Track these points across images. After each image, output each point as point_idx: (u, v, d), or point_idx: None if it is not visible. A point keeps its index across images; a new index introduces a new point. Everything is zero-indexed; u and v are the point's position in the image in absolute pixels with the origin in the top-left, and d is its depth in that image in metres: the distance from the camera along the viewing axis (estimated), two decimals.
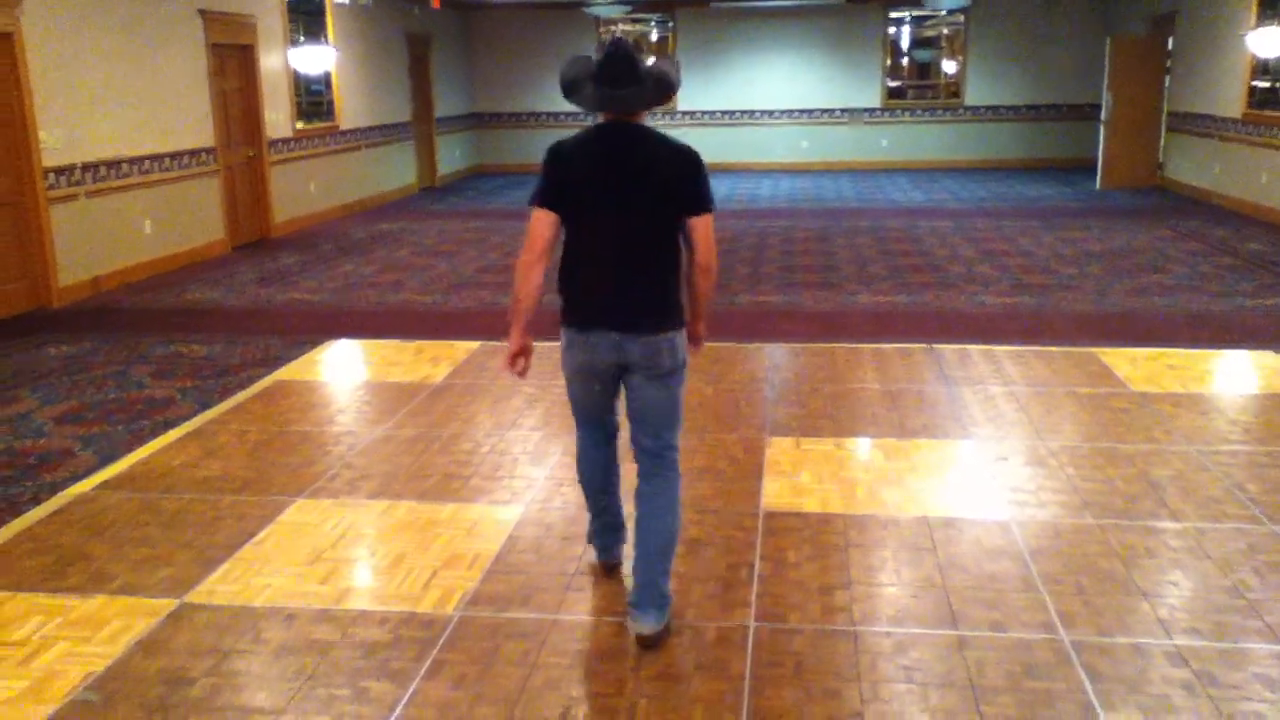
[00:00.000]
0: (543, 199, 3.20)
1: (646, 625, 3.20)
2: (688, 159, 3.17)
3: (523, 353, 3.33)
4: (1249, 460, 4.62)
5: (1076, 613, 3.37)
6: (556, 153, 3.20)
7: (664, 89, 3.17)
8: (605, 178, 3.13)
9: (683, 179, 3.15)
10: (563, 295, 3.28)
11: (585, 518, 4.12)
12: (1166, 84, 14.68)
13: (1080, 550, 3.80)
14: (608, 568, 3.67)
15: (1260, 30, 11.54)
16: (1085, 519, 4.06)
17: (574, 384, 3.37)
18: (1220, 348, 6.52)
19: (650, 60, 3.21)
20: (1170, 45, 14.60)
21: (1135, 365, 6.04)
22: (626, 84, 3.11)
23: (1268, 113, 11.77)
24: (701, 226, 3.17)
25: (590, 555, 3.80)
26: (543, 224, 3.19)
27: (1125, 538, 3.90)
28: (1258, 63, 12.00)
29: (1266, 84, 11.90)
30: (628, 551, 3.56)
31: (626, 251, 3.17)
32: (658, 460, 3.29)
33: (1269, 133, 11.69)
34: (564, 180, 3.17)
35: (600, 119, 3.20)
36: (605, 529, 3.65)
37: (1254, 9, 11.96)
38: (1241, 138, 12.37)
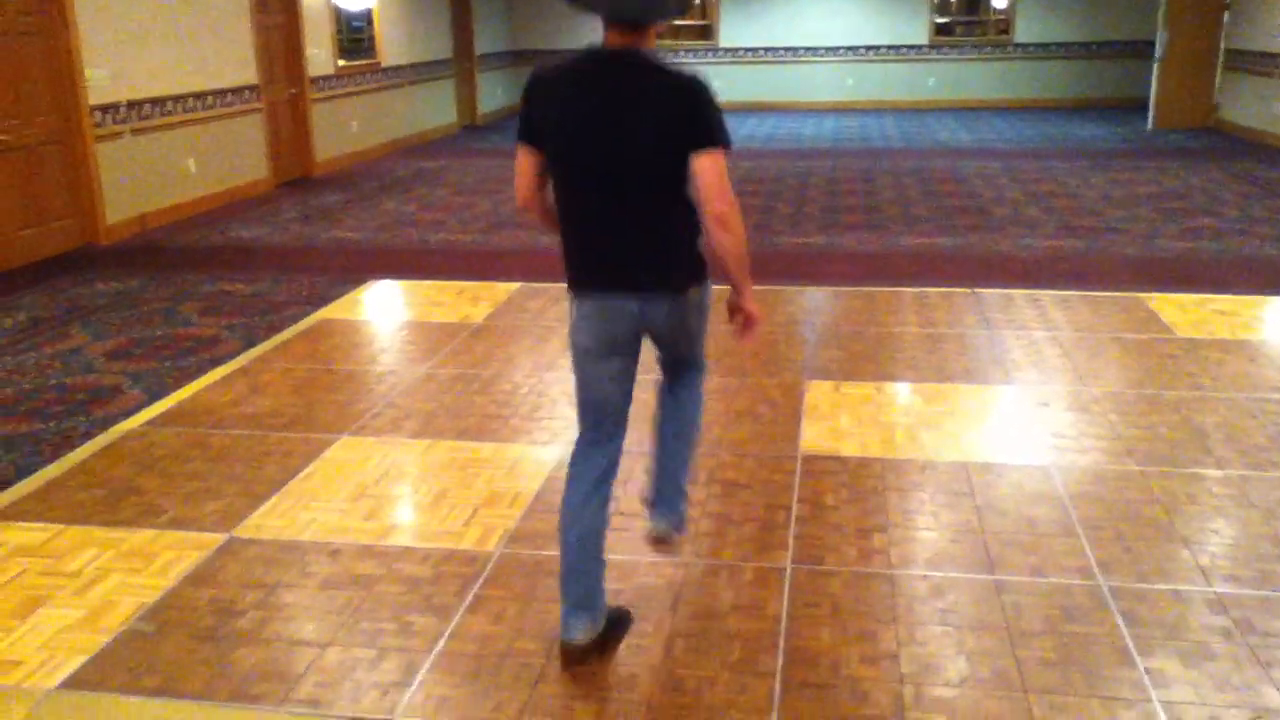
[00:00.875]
0: (520, 134, 2.77)
1: (663, 522, 3.07)
2: (688, 87, 2.61)
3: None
4: None
5: (1116, 559, 3.36)
6: (535, 82, 2.73)
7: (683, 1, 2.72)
8: (594, 116, 2.63)
9: (687, 109, 2.60)
10: (565, 257, 2.84)
11: (628, 461, 4.15)
12: (1225, 20, 14.24)
13: (1121, 496, 3.78)
14: (574, 653, 2.86)
15: None
16: (1127, 465, 4.03)
17: (586, 365, 2.88)
18: (1271, 294, 6.39)
19: None
20: None
21: (1183, 311, 5.95)
22: None
23: None
24: (707, 167, 2.62)
25: (630, 499, 3.83)
26: (523, 162, 2.79)
27: (1168, 484, 3.87)
28: None
29: None
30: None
31: (630, 202, 2.69)
32: (689, 373, 3.09)
33: None
34: (544, 115, 2.71)
35: (607, 43, 2.67)
36: (575, 602, 2.88)
37: None
38: None
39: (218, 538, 3.62)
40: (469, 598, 3.22)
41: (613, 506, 3.73)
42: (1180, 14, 13.99)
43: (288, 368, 5.33)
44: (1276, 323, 5.94)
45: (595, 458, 2.93)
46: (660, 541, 3.15)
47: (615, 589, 3.25)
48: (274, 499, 3.89)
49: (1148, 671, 2.81)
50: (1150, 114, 14.50)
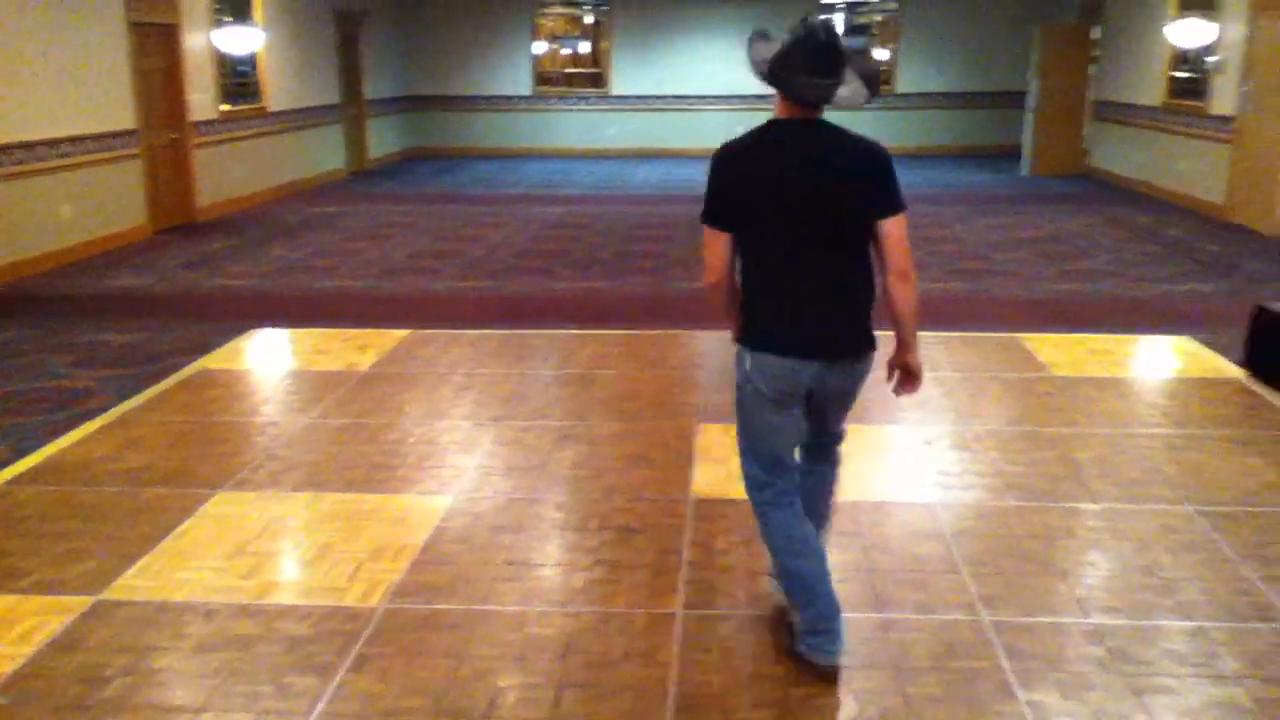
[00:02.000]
0: (710, 216, 2.86)
1: (834, 654, 2.97)
2: (877, 155, 2.80)
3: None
4: (1166, 443, 4.74)
5: (998, 593, 3.43)
6: (722, 159, 2.85)
7: (873, 84, 2.83)
8: (788, 186, 2.77)
9: (878, 178, 2.79)
10: (746, 315, 2.93)
11: (520, 508, 4.11)
12: (1092, 73, 14.96)
13: (1003, 532, 3.87)
14: (830, 672, 2.97)
15: (1180, 21, 11.80)
16: (1008, 501, 4.13)
17: (764, 415, 2.95)
18: (1140, 332, 6.67)
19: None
20: (1096, 35, 14.87)
21: (1059, 350, 6.16)
22: (834, 74, 2.76)
23: (1187, 102, 12.04)
24: (895, 229, 2.79)
25: (521, 549, 3.78)
26: (716, 243, 2.87)
27: (1046, 519, 3.97)
28: (1178, 53, 12.27)
29: (1186, 74, 12.17)
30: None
31: (821, 267, 2.83)
32: (834, 446, 3.19)
33: (1188, 122, 11.96)
34: (740, 190, 2.83)
35: (777, 113, 2.83)
36: (818, 626, 2.97)
37: (1175, 0, 12.22)
38: (1163, 126, 12.65)
39: (85, 601, 3.45)
40: (351, 656, 3.12)
41: (503, 555, 3.69)
42: (1051, 66, 14.64)
43: (164, 420, 5.14)
44: (1147, 361, 6.19)
45: (788, 480, 3.04)
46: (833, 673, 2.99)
47: (505, 639, 3.19)
48: (146, 558, 3.73)
49: (1029, 704, 2.86)
50: (1025, 161, 15.09)
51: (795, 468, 3.08)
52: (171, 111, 11.13)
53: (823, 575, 2.99)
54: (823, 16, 2.88)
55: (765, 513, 3.05)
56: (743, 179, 2.83)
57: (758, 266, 2.89)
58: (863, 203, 2.80)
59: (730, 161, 2.86)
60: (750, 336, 2.93)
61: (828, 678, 2.95)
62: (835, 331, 2.88)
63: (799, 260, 2.83)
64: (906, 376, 3.06)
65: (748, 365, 2.94)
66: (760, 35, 2.86)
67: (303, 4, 14.21)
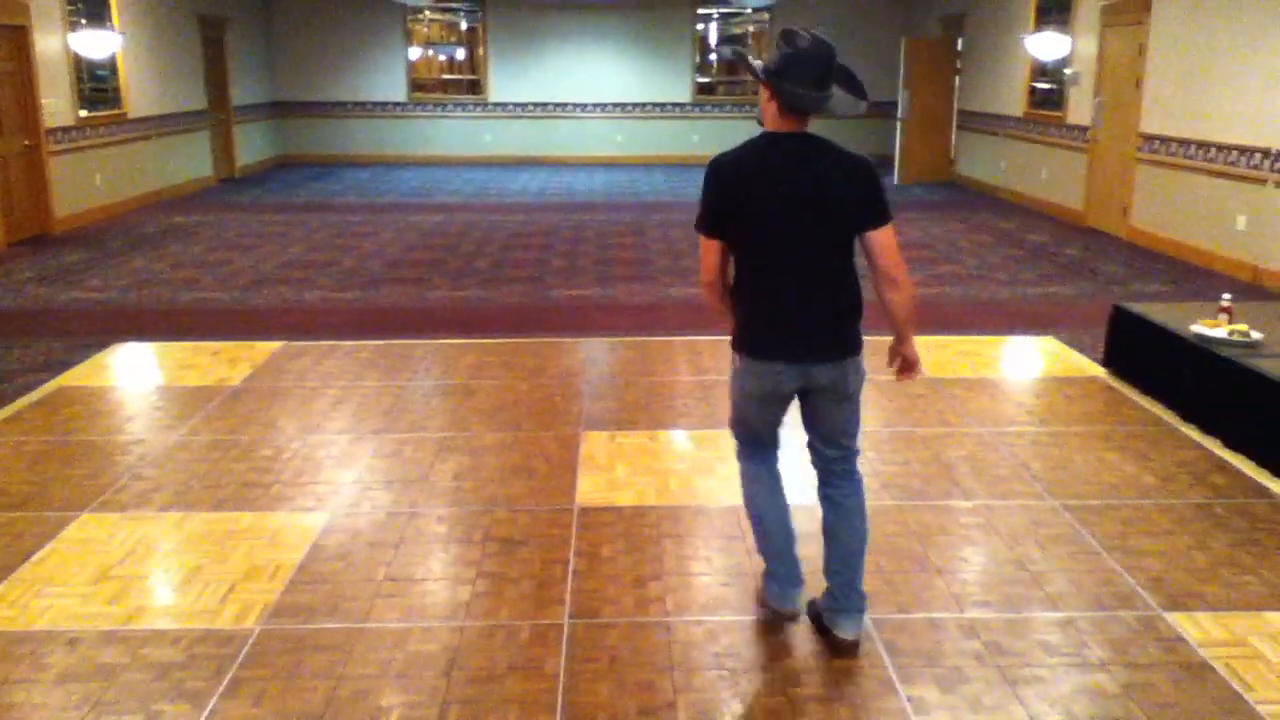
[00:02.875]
0: (704, 225, 2.97)
1: (851, 630, 3.13)
2: (864, 168, 2.93)
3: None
4: (1033, 440, 4.91)
5: (877, 591, 3.50)
6: (717, 169, 2.94)
7: (863, 96, 2.99)
8: (781, 197, 2.87)
9: (866, 191, 2.91)
10: (739, 320, 3.06)
11: (400, 523, 4.03)
12: (957, 84, 15.49)
13: (880, 531, 3.95)
14: (792, 615, 3.28)
15: (1038, 34, 12.31)
16: (885, 500, 4.23)
17: (750, 408, 3.13)
18: (1006, 333, 6.91)
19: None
20: (960, 47, 15.41)
21: (929, 351, 6.34)
22: (828, 85, 2.89)
23: (1046, 112, 12.57)
24: (883, 238, 2.93)
25: (402, 564, 3.70)
26: (710, 251, 2.99)
27: (921, 517, 4.08)
28: (1037, 65, 12.79)
29: (1045, 85, 12.69)
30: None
31: (809, 275, 2.94)
32: (845, 463, 3.19)
33: (1048, 131, 12.48)
34: (732, 200, 2.92)
35: (769, 126, 2.94)
36: (790, 579, 3.24)
37: (1032, 14, 12.75)
38: (1024, 135, 13.18)
39: None
40: (225, 680, 3.00)
41: (384, 571, 3.61)
42: (918, 77, 15.11)
43: (19, 440, 4.88)
44: (1013, 361, 6.42)
45: (768, 456, 3.27)
46: (850, 645, 3.15)
47: (386, 657, 3.12)
48: (2, 586, 3.53)
49: (909, 700, 2.92)
50: (895, 169, 15.53)
51: (776, 445, 3.29)
52: (24, 117, 10.61)
53: (785, 521, 3.25)
54: (809, 31, 3.02)
55: (745, 471, 3.31)
56: (735, 189, 2.92)
57: (748, 274, 3.00)
58: (851, 214, 2.91)
59: (723, 172, 2.94)
60: (740, 341, 3.07)
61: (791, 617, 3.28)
62: (819, 337, 3.00)
63: (788, 268, 2.94)
64: (905, 364, 3.24)
65: (739, 365, 3.09)
66: (741, 54, 3.09)
67: (163, 7, 13.72)
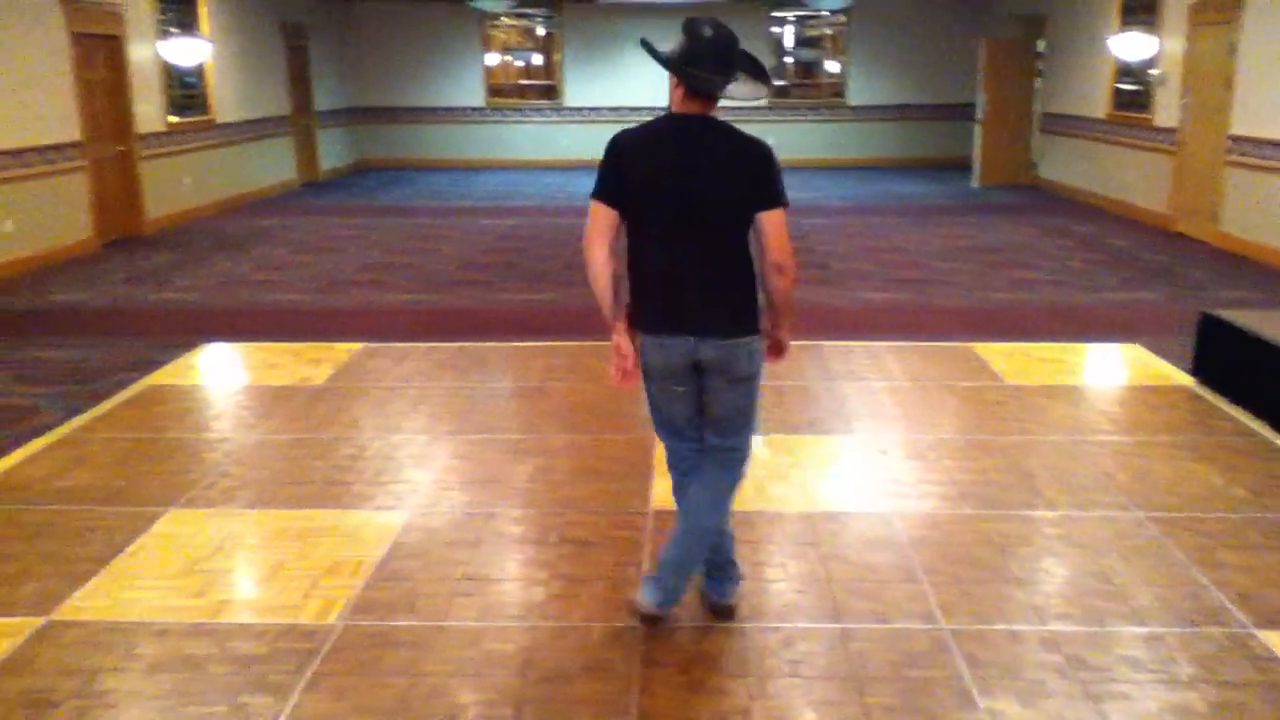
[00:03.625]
0: (600, 192, 3.03)
1: (732, 597, 3.27)
2: (762, 151, 3.00)
3: (623, 354, 3.10)
4: (1116, 449, 4.81)
5: (955, 602, 3.46)
6: (619, 145, 3.03)
7: (767, 83, 3.09)
8: (679, 173, 2.95)
9: (757, 172, 2.98)
10: (634, 297, 3.11)
11: (477, 523, 4.08)
12: (1037, 85, 15.21)
13: (958, 540, 3.90)
14: (719, 610, 3.34)
15: (1122, 35, 12.04)
16: (963, 510, 4.17)
17: (653, 387, 3.18)
18: (1088, 340, 6.77)
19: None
20: (1040, 48, 15.13)
21: (1009, 359, 6.24)
22: (731, 70, 2.97)
23: (1130, 114, 12.28)
24: (774, 221, 2.98)
25: (479, 564, 3.75)
26: (599, 219, 3.03)
27: (1001, 527, 4.01)
28: (1121, 66, 12.51)
29: (1129, 86, 12.41)
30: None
31: (701, 252, 3.01)
32: (726, 456, 3.22)
33: (1131, 133, 12.20)
34: (629, 175, 3.00)
35: (675, 109, 3.02)
36: (710, 567, 3.33)
37: (1117, 14, 12.47)
38: (1106, 138, 12.89)
39: (33, 622, 3.36)
40: (307, 674, 3.07)
41: (461, 570, 3.65)
42: (997, 79, 14.87)
43: (111, 438, 5.04)
44: (1096, 368, 6.29)
45: (684, 444, 3.26)
46: (648, 617, 3.24)
47: (462, 655, 3.16)
48: (96, 579, 3.65)
49: (988, 712, 2.88)
50: (974, 172, 15.30)
51: (692, 439, 3.25)
52: (118, 123, 10.96)
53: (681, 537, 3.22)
54: (703, 18, 3.15)
55: (679, 486, 3.32)
56: (635, 165, 3.00)
57: (644, 250, 3.08)
58: (744, 195, 2.98)
59: (625, 148, 3.03)
60: (637, 317, 3.11)
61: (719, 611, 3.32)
62: (706, 312, 3.03)
63: (681, 245, 3.02)
64: (775, 347, 3.26)
65: (638, 342, 3.13)
66: (647, 43, 3.10)
67: (249, 16, 14.07)
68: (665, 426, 3.27)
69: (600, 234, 3.04)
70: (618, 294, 3.10)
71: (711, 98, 3.00)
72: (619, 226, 3.06)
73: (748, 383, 3.13)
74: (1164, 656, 3.14)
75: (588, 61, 18.02)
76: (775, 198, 2.99)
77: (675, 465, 3.32)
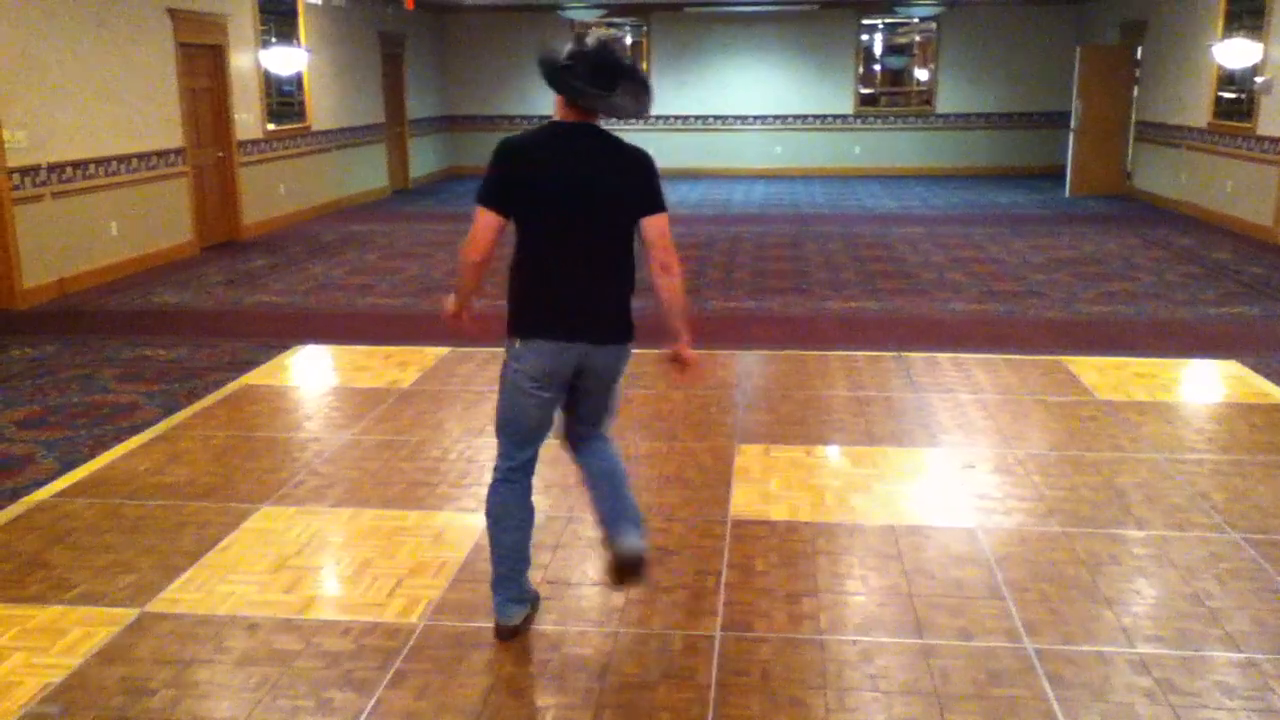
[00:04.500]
0: (489, 199, 3.05)
1: (637, 536, 3.20)
2: (643, 160, 3.12)
3: (460, 315, 3.39)
4: (1213, 469, 4.66)
5: (1041, 620, 3.39)
6: (507, 150, 3.07)
7: (646, 101, 3.09)
8: (566, 180, 3.02)
9: (639, 180, 3.09)
10: (517, 303, 3.15)
11: (558, 527, 4.12)
12: (1135, 93, 14.83)
13: (1045, 557, 3.82)
14: (506, 632, 3.29)
15: (1226, 41, 11.68)
16: (1051, 526, 4.08)
17: (522, 399, 3.15)
18: (1185, 356, 6.58)
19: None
20: (1139, 55, 14.75)
21: (1102, 373, 6.09)
22: (613, 88, 3.02)
23: (1233, 123, 11.91)
24: (656, 224, 3.10)
25: (559, 567, 3.78)
26: (489, 226, 3.06)
27: (1090, 545, 3.92)
28: (1224, 73, 12.14)
29: (1232, 94, 12.04)
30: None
31: (590, 258, 3.09)
32: (597, 436, 3.33)
33: (1233, 143, 11.83)
34: (518, 181, 3.05)
35: (558, 116, 3.10)
36: (516, 595, 3.29)
37: (1221, 20, 12.10)
38: (1207, 147, 12.51)
39: (130, 613, 3.49)
40: (391, 672, 3.13)
41: (541, 574, 3.69)
42: (1093, 86, 14.53)
43: (207, 435, 5.20)
44: (1191, 385, 6.11)
45: (524, 464, 3.27)
46: (636, 561, 3.19)
47: (543, 658, 3.19)
48: (190, 572, 3.77)
49: None
50: (1067, 181, 14.97)
51: (536, 453, 3.29)
52: (218, 130, 11.31)
53: (522, 545, 3.27)
54: (599, 34, 3.27)
55: (495, 487, 3.26)
56: (521, 171, 3.04)
57: (531, 256, 3.12)
58: (627, 201, 3.07)
59: (511, 153, 3.06)
60: (521, 323, 3.14)
61: (502, 633, 3.29)
62: (599, 318, 3.11)
63: (569, 251, 3.08)
64: (681, 365, 3.27)
65: (516, 347, 3.16)
66: (550, 53, 3.10)
67: (346, 25, 14.40)
68: (517, 435, 3.22)
69: (488, 240, 3.09)
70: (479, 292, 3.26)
71: (591, 109, 3.05)
72: (503, 231, 3.11)
73: (619, 381, 3.26)
74: (1260, 684, 3.03)
75: (675, 69, 18.06)
76: (658, 203, 3.11)
77: (505, 478, 3.25)
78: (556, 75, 3.02)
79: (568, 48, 3.06)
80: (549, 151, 3.06)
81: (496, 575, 3.28)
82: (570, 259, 3.09)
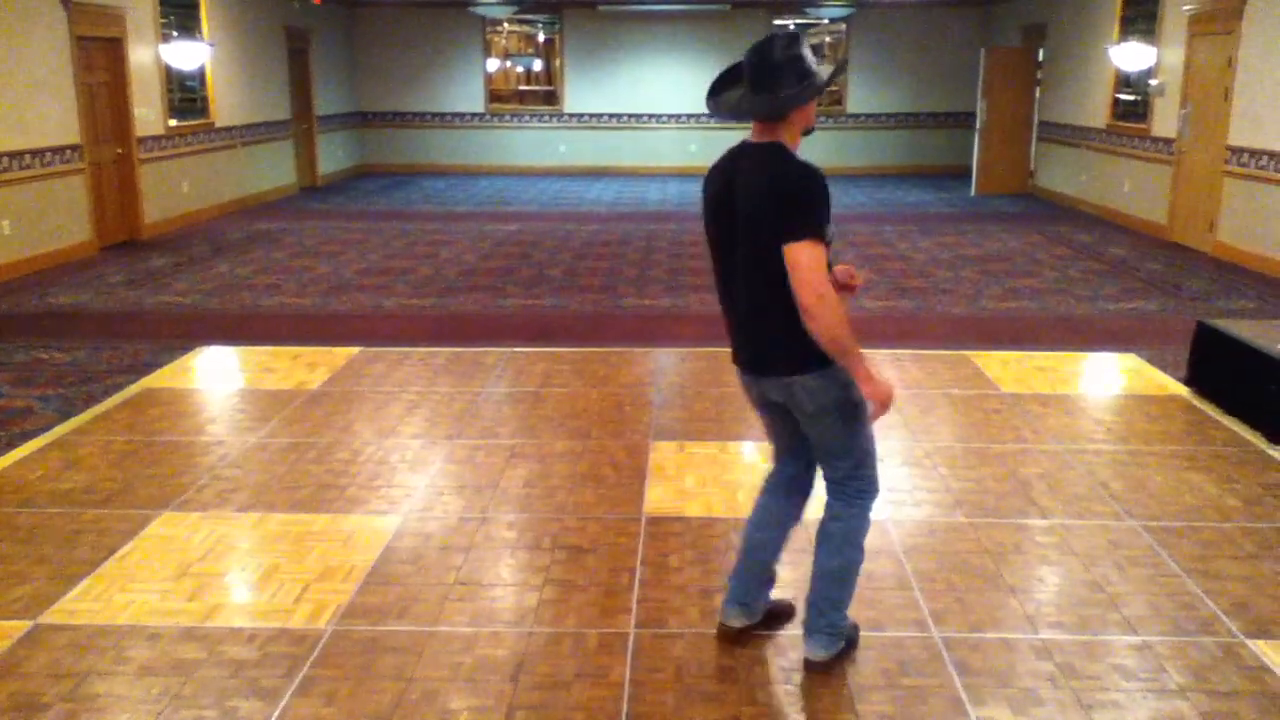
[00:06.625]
0: (822, 230, 2.78)
1: (811, 650, 3.09)
2: (783, 178, 2.75)
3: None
4: (1112, 459, 4.80)
5: (949, 609, 3.45)
6: (706, 178, 2.99)
7: (777, 90, 2.77)
8: (721, 203, 2.88)
9: (770, 202, 2.74)
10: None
11: (471, 528, 4.08)
12: (1037, 95, 15.23)
13: (952, 548, 3.89)
14: (727, 631, 3.25)
15: (1122, 44, 12.05)
16: (957, 518, 4.16)
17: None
18: (1086, 350, 6.77)
19: (808, 57, 2.81)
20: (1040, 57, 15.15)
21: (1006, 367, 6.24)
22: (730, 88, 2.93)
23: (1129, 124, 12.29)
24: (790, 257, 2.69)
25: (471, 569, 3.75)
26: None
27: (995, 535, 4.01)
28: (1120, 75, 12.53)
29: (1129, 96, 12.43)
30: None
31: (741, 285, 2.92)
32: (836, 488, 3.07)
33: (1130, 143, 12.21)
34: (707, 208, 2.97)
35: (751, 137, 2.90)
36: (744, 575, 3.24)
37: (1117, 23, 12.49)
38: (1106, 147, 12.91)
39: (22, 625, 3.36)
40: (298, 679, 3.06)
41: (454, 575, 3.64)
42: (997, 87, 14.88)
43: (106, 440, 5.04)
44: (1091, 378, 6.29)
45: (778, 471, 3.24)
46: (810, 665, 3.12)
47: (455, 660, 3.15)
48: (87, 581, 3.65)
49: None
50: (973, 180, 15.31)
51: (797, 471, 3.21)
52: (117, 126, 10.96)
53: (761, 546, 3.21)
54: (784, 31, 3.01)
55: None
56: (706, 198, 2.97)
57: (723, 283, 3.04)
58: (760, 224, 2.78)
59: (706, 180, 2.98)
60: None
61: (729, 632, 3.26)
62: (756, 349, 2.98)
63: (735, 279, 2.95)
64: (874, 405, 2.91)
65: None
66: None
67: (251, 19, 14.07)
68: (771, 445, 3.28)
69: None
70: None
71: (768, 119, 2.84)
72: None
73: (823, 416, 2.94)
74: (1155, 665, 3.13)
75: (588, 68, 18.04)
76: (788, 229, 2.69)
77: (764, 481, 3.30)
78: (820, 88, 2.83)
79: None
80: (715, 172, 2.94)
81: (735, 567, 3.29)
82: (729, 286, 2.99)
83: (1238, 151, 9.78)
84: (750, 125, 2.89)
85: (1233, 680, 3.06)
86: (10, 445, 4.97)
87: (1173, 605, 3.49)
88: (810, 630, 3.10)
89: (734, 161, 2.89)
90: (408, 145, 18.39)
